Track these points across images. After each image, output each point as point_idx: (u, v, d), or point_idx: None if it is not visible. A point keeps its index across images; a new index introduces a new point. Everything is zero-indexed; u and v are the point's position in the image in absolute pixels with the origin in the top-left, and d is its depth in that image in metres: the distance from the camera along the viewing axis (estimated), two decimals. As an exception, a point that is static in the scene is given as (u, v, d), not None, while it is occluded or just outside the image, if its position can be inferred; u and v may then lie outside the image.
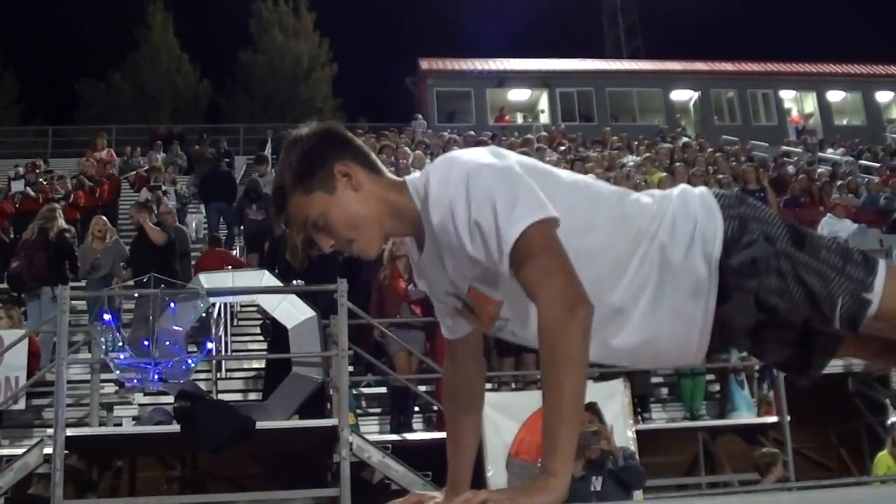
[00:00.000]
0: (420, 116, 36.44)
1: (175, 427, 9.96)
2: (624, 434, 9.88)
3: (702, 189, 2.98)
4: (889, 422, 11.86)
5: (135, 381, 10.66)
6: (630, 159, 21.28)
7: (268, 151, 27.83)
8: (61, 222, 14.20)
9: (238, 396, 12.73)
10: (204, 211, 20.52)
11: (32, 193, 18.49)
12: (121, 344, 10.39)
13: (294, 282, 11.72)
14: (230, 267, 15.44)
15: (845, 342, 2.88)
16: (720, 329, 2.84)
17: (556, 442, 2.45)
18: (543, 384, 2.52)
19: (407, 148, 21.45)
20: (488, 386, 11.72)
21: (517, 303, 2.74)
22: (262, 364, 13.00)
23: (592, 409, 9.25)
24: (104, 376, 11.25)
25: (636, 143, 26.52)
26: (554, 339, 2.48)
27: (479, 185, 2.60)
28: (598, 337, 2.66)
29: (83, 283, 13.93)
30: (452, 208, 2.63)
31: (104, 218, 14.94)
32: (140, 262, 13.07)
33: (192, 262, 15.27)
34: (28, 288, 13.56)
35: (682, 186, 3.02)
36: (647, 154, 21.87)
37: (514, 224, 2.54)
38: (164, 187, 19.51)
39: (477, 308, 2.85)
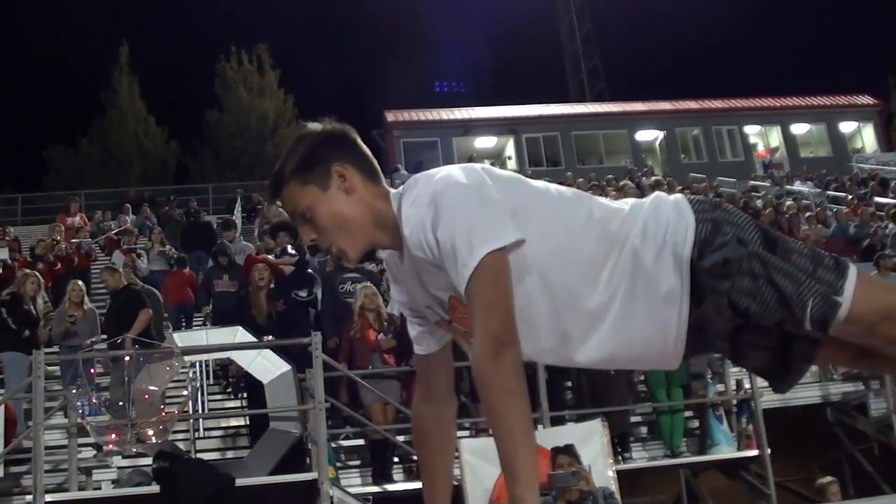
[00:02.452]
0: (401, 167, 36.25)
1: (154, 488, 9.89)
2: (604, 474, 9.83)
3: (677, 195, 3.02)
4: None
5: (111, 444, 10.59)
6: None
7: (237, 211, 27.87)
8: (25, 288, 14.01)
9: (217, 455, 12.65)
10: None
11: (10, 262, 18.45)
12: (97, 406, 10.36)
13: (266, 337, 11.66)
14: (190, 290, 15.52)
15: (822, 348, 2.89)
16: (699, 332, 2.87)
17: (515, 468, 2.52)
18: (489, 420, 2.62)
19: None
20: (465, 433, 11.72)
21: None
22: (241, 421, 12.97)
23: (569, 450, 9.27)
24: (81, 440, 11.17)
25: (605, 184, 26.68)
26: (488, 377, 2.56)
27: (444, 206, 2.68)
28: (577, 343, 2.81)
29: (56, 349, 13.84)
30: (423, 227, 2.70)
31: (80, 283, 14.81)
32: (117, 326, 12.99)
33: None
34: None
35: (657, 193, 3.06)
36: (614, 193, 21.93)
37: (471, 253, 2.61)
38: (138, 250, 19.54)
39: (455, 318, 2.90)
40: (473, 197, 2.70)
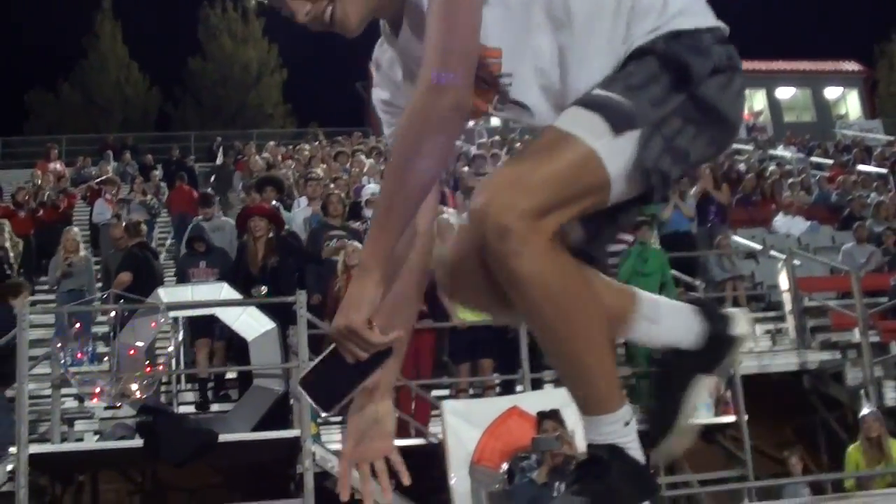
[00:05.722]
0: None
1: (138, 441, 9.94)
2: (585, 438, 9.90)
3: None
4: (861, 413, 11.81)
5: (95, 398, 10.64)
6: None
7: (219, 160, 27.76)
8: (3, 237, 14.00)
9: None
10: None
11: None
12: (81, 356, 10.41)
13: (262, 288, 11.51)
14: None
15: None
16: None
17: (379, 216, 2.31)
18: (392, 158, 2.37)
19: (363, 157, 21.18)
20: (446, 392, 11.83)
21: (519, 43, 2.43)
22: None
23: (555, 416, 9.35)
24: (65, 391, 11.17)
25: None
26: (416, 109, 2.29)
27: None
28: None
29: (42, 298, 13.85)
30: None
31: (75, 230, 14.85)
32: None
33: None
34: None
35: None
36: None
37: None
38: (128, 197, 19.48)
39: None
40: None
